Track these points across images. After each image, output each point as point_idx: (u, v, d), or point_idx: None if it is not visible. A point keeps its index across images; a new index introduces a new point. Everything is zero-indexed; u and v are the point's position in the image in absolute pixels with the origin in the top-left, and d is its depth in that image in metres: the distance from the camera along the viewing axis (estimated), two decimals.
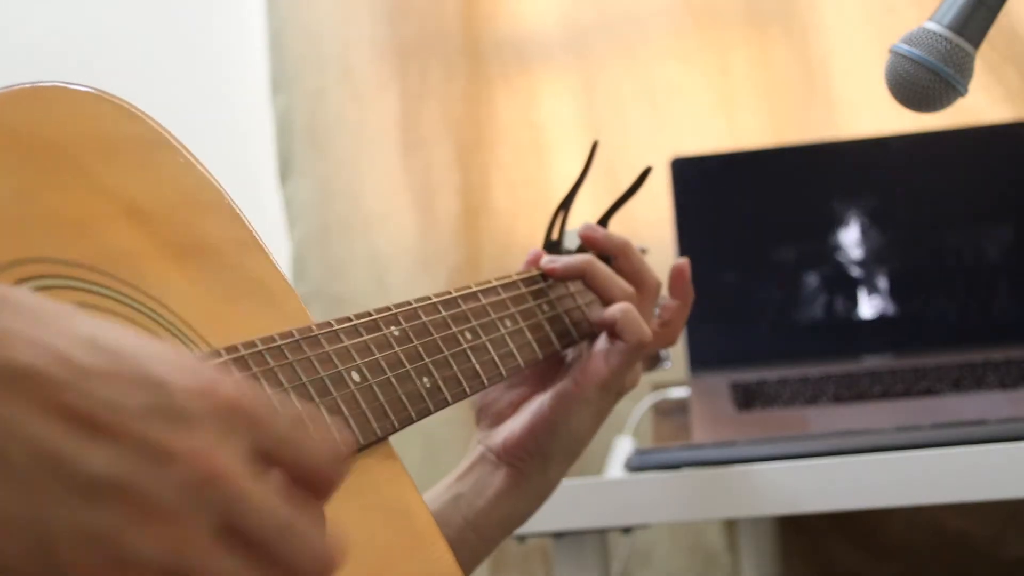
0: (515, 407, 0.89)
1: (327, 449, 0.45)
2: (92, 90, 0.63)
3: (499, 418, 0.89)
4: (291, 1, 1.77)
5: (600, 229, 0.92)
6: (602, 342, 0.87)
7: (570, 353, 0.91)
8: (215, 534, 0.42)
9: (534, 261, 0.90)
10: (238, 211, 0.67)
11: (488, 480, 0.87)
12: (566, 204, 0.94)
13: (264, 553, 0.43)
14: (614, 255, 0.90)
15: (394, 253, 1.74)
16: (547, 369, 0.90)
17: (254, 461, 0.43)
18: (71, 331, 0.43)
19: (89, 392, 0.41)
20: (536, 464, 0.86)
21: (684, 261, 0.94)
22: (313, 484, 0.45)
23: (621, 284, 0.88)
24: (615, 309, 0.86)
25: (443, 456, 1.67)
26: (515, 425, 0.87)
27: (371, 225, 1.75)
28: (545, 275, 0.89)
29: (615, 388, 0.87)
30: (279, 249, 1.76)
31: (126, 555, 0.41)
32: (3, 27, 1.82)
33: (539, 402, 0.87)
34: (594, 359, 0.86)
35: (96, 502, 0.41)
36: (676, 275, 0.95)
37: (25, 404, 0.40)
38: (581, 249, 0.95)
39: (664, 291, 0.95)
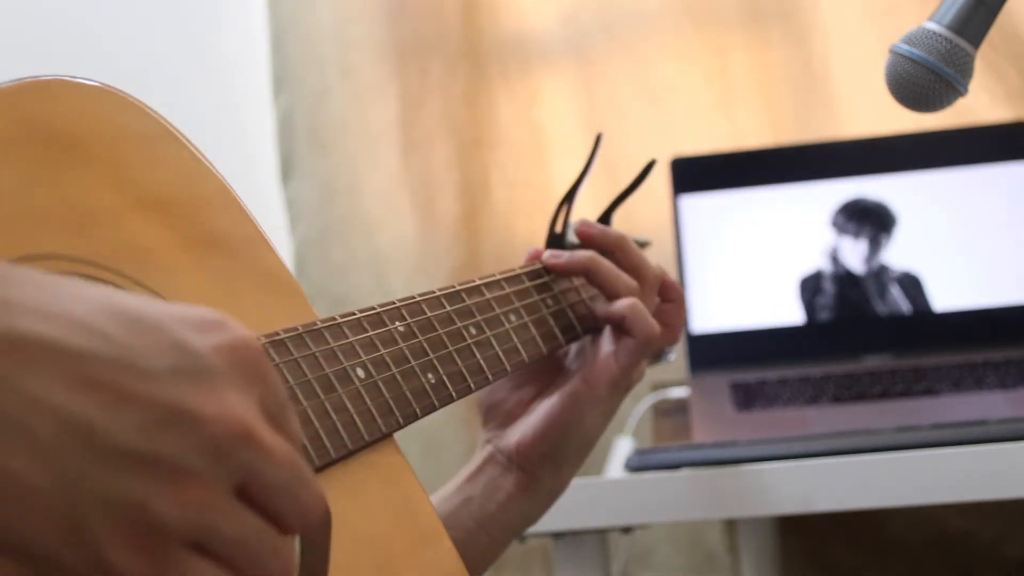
0: (524, 406, 0.88)
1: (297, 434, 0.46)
2: (98, 84, 0.62)
3: (509, 418, 0.88)
4: (292, 2, 1.77)
5: (596, 225, 0.91)
6: (607, 340, 0.86)
7: (573, 348, 0.90)
8: (233, 492, 0.42)
9: (535, 258, 0.89)
10: (244, 207, 0.66)
11: (499, 483, 0.86)
12: (570, 197, 0.93)
13: (273, 508, 0.44)
14: (611, 251, 0.89)
15: (394, 253, 1.74)
16: (553, 367, 0.89)
17: (264, 414, 0.44)
18: (85, 298, 0.42)
19: (112, 359, 0.41)
20: (548, 467, 0.86)
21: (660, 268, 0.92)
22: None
23: (625, 280, 0.87)
24: (622, 305, 0.85)
25: (444, 455, 1.67)
26: (527, 429, 0.86)
27: (372, 225, 1.75)
28: (548, 269, 0.88)
29: (624, 385, 0.86)
30: (281, 249, 1.75)
31: (155, 521, 0.40)
32: (5, 26, 1.82)
33: (549, 404, 0.86)
34: (603, 358, 0.85)
35: (125, 471, 0.40)
36: (664, 281, 0.93)
37: (47, 376, 0.39)
38: (585, 243, 0.94)
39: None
